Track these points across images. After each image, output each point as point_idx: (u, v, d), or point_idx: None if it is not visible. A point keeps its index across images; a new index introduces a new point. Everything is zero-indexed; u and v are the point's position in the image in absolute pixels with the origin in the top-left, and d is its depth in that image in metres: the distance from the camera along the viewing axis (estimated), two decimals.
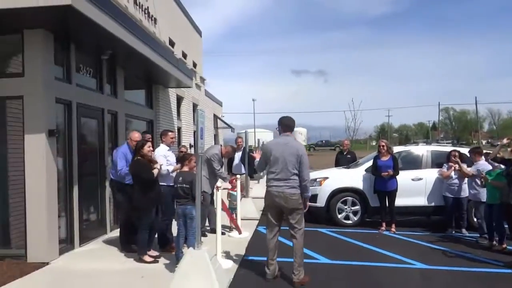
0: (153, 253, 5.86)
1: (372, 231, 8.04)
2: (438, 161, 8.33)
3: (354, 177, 8.64)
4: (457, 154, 7.79)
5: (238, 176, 8.05)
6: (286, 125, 5.12)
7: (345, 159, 10.34)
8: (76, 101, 6.54)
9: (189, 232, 5.40)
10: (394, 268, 5.69)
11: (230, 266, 5.48)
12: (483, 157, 7.32)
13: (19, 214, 5.78)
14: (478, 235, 7.22)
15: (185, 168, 5.57)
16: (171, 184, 6.06)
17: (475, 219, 7.67)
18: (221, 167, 6.82)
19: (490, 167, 6.92)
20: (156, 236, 6.15)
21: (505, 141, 6.54)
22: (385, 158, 8.07)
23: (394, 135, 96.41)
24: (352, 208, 8.53)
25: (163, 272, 5.25)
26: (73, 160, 6.44)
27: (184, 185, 5.35)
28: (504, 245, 6.54)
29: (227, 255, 5.93)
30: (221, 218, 5.95)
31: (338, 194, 8.57)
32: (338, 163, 10.51)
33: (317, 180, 8.86)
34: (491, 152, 7.24)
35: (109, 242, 6.80)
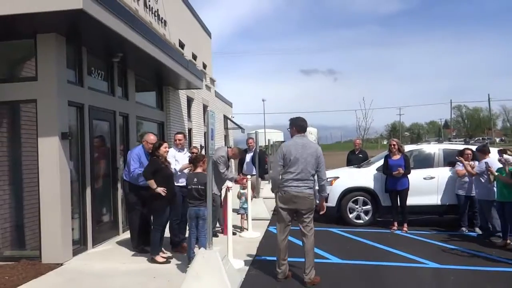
0: (165, 253, 5.91)
1: (384, 230, 7.99)
2: (450, 159, 8.25)
3: (365, 177, 8.60)
4: (470, 152, 7.71)
5: (249, 176, 8.07)
6: (300, 125, 5.11)
7: (356, 159, 10.30)
8: (88, 104, 6.63)
9: (201, 233, 5.43)
10: (406, 268, 5.65)
11: (241, 266, 5.50)
12: (488, 155, 7.23)
13: (34, 216, 5.88)
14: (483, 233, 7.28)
15: (199, 169, 5.59)
16: (180, 184, 6.11)
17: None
18: (227, 169, 6.84)
19: (497, 164, 6.86)
20: (168, 236, 6.20)
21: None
22: (396, 157, 8.02)
23: (405, 133, 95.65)
24: (363, 207, 8.50)
25: (175, 272, 5.29)
26: (85, 162, 6.52)
27: (199, 187, 5.35)
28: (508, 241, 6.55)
29: (239, 255, 5.94)
30: (232, 218, 5.97)
31: (349, 193, 8.53)
32: (349, 163, 10.47)
33: (328, 179, 8.76)
34: (502, 148, 7.21)
35: (121, 243, 6.88)
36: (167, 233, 6.17)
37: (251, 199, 8.06)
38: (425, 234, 7.66)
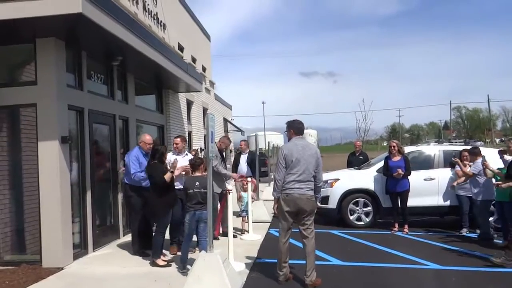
0: (166, 256, 5.90)
1: (385, 232, 7.99)
2: (450, 160, 8.25)
3: (365, 178, 8.60)
4: (467, 154, 7.72)
5: (249, 179, 8.06)
6: (297, 128, 5.14)
7: (357, 160, 10.30)
8: (88, 107, 6.63)
9: (202, 236, 5.42)
10: (407, 269, 5.64)
11: (242, 268, 5.50)
12: (480, 157, 7.25)
13: (34, 220, 5.87)
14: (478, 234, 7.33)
15: (198, 173, 5.58)
16: (176, 188, 6.09)
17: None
18: (222, 162, 6.86)
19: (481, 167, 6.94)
20: (168, 238, 6.21)
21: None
22: (396, 159, 8.02)
23: (405, 135, 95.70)
24: (364, 209, 8.49)
25: (176, 276, 5.28)
26: (85, 166, 6.52)
27: (202, 190, 5.33)
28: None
29: (239, 258, 5.94)
30: (233, 221, 5.97)
31: (349, 195, 8.53)
32: (350, 164, 10.48)
33: (328, 181, 8.83)
34: (503, 149, 7.22)
35: (122, 246, 6.86)
36: (166, 236, 6.16)
37: (252, 202, 8.05)
38: (426, 236, 7.65)
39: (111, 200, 7.38)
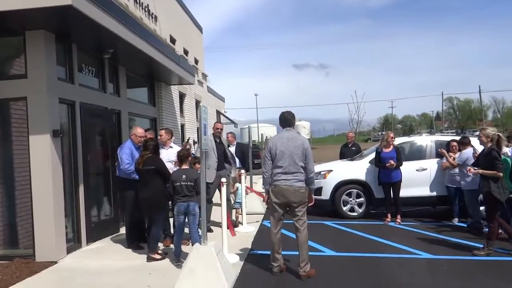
0: (158, 248, 5.90)
1: (378, 222, 8.06)
2: (438, 151, 8.30)
3: (358, 169, 8.65)
4: (455, 144, 7.79)
5: (243, 171, 8.07)
6: (285, 119, 5.16)
7: (349, 152, 10.34)
8: (79, 100, 6.57)
9: (192, 229, 5.44)
10: (400, 259, 5.71)
11: (236, 260, 5.52)
12: (469, 146, 7.35)
13: (26, 215, 5.84)
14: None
15: (185, 166, 5.59)
16: None
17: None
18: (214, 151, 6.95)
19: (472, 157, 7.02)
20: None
21: None
22: (388, 150, 8.07)
23: (398, 126, 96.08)
24: (357, 200, 8.55)
25: (170, 268, 5.29)
26: (78, 160, 6.48)
27: (188, 183, 5.37)
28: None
29: (233, 249, 5.96)
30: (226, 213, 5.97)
31: (342, 186, 8.58)
32: (342, 156, 10.52)
33: (322, 173, 8.87)
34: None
35: (116, 240, 6.86)
36: None
37: (246, 194, 8.06)
38: (418, 225, 7.73)
39: (104, 194, 7.35)
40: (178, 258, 5.38)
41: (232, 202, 7.86)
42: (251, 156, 10.99)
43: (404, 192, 8.02)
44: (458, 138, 8.18)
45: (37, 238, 5.72)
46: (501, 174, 5.67)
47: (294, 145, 4.93)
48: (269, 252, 5.16)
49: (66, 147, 6.28)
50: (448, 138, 8.93)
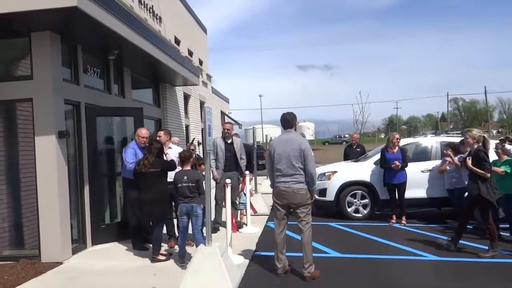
0: (162, 247, 5.91)
1: (382, 224, 8.02)
2: (443, 152, 8.24)
3: (363, 170, 8.62)
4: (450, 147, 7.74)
5: (247, 172, 8.07)
6: (285, 120, 5.17)
7: (354, 153, 10.31)
8: (84, 102, 6.60)
9: (195, 229, 5.44)
10: (405, 261, 5.68)
11: (241, 261, 5.52)
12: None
13: (32, 215, 5.87)
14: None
15: (187, 167, 5.59)
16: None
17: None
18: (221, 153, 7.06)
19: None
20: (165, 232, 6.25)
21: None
22: (393, 151, 8.04)
23: (403, 127, 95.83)
24: (362, 201, 8.52)
25: (175, 269, 5.30)
26: (83, 161, 6.51)
27: (190, 184, 5.37)
28: None
29: (238, 251, 5.96)
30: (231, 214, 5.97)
31: (347, 187, 8.56)
32: (347, 157, 10.49)
33: (326, 174, 8.85)
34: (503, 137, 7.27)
35: (121, 241, 6.85)
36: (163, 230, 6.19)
37: (251, 195, 8.06)
38: (424, 227, 7.69)
39: (108, 195, 7.36)
40: (182, 259, 5.39)
41: (237, 203, 7.85)
42: (255, 157, 11.01)
43: (409, 194, 7.98)
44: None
45: (42, 238, 5.74)
46: (489, 174, 5.74)
47: (291, 147, 4.93)
48: (273, 253, 5.15)
49: (71, 148, 6.31)
50: (453, 139, 8.88)
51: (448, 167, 7.71)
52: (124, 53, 7.26)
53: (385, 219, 8.21)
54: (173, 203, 6.23)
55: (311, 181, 4.97)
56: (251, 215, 7.70)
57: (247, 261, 5.61)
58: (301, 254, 4.98)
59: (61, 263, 5.69)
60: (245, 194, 7.72)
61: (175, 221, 6.39)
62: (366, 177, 8.52)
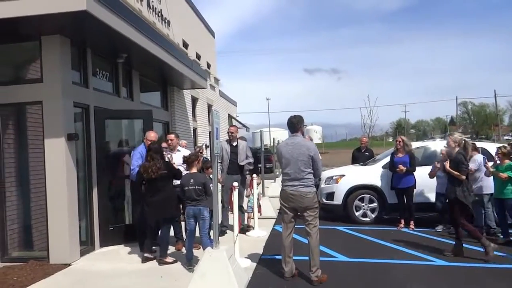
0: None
1: (391, 228, 7.97)
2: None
3: (371, 174, 8.58)
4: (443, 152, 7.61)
5: (255, 175, 8.06)
6: (291, 124, 5.15)
7: (362, 156, 10.25)
8: (93, 104, 6.65)
9: (202, 232, 5.45)
10: (413, 265, 5.63)
11: (248, 265, 5.51)
12: (477, 152, 7.30)
13: (41, 217, 5.92)
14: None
15: (194, 169, 5.60)
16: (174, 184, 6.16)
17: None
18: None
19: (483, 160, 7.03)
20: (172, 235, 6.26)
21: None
22: (401, 155, 7.99)
23: (411, 131, 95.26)
24: (370, 205, 8.47)
25: (182, 272, 5.30)
26: (92, 163, 6.55)
27: (196, 187, 5.38)
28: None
29: (245, 254, 5.95)
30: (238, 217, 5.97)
31: (355, 191, 8.52)
32: (355, 160, 10.43)
33: (334, 178, 8.81)
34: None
35: (128, 243, 6.86)
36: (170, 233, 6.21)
37: (259, 199, 8.04)
38: (432, 232, 7.62)
39: (116, 197, 7.39)
40: (190, 262, 5.39)
41: (244, 206, 7.85)
42: (263, 160, 11.01)
43: (418, 198, 7.91)
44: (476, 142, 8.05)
45: (51, 240, 5.78)
46: (464, 177, 5.88)
47: (298, 152, 4.92)
48: (280, 257, 5.14)
49: (80, 150, 6.36)
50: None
51: (439, 173, 7.54)
52: (133, 56, 7.31)
53: (393, 224, 8.15)
54: (181, 206, 6.25)
55: (317, 185, 5.01)
56: (258, 218, 7.68)
57: (254, 264, 5.60)
58: (308, 258, 4.96)
59: (69, 265, 5.72)
60: (252, 197, 7.71)
61: (183, 224, 6.40)
62: (374, 181, 8.48)
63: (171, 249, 6.23)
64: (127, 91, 8.15)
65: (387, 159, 8.35)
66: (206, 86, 12.52)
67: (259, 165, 10.96)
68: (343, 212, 8.61)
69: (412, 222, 7.88)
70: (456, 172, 5.91)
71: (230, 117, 20.03)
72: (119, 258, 6.12)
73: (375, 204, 8.45)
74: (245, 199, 7.98)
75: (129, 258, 6.10)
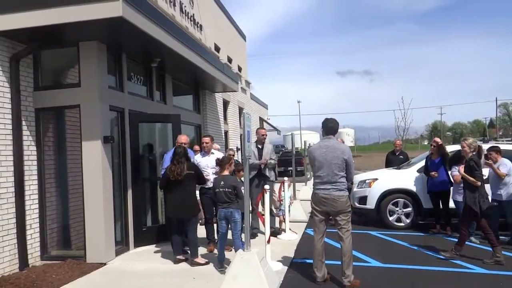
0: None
1: (426, 234, 7.74)
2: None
3: (405, 178, 8.37)
4: (492, 153, 7.24)
5: (286, 178, 8.03)
6: (328, 127, 5.07)
7: (396, 159, 10.02)
8: (128, 108, 6.82)
9: (234, 235, 5.47)
10: (450, 273, 5.44)
11: (279, 268, 5.48)
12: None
13: (79, 217, 6.11)
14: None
15: (226, 172, 5.64)
16: (207, 186, 6.22)
17: None
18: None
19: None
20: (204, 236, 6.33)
21: None
22: (436, 158, 7.75)
23: (447, 133, 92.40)
24: (404, 210, 8.26)
25: (214, 274, 5.34)
26: (126, 165, 6.72)
27: (226, 189, 5.41)
28: None
29: (276, 257, 5.92)
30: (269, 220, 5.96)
31: (388, 195, 8.33)
32: (389, 164, 10.21)
33: (367, 181, 8.66)
34: None
35: (162, 244, 6.99)
36: (203, 235, 6.28)
37: (291, 203, 8.00)
38: (470, 238, 7.32)
39: (151, 199, 7.54)
40: (221, 264, 5.42)
41: (275, 210, 7.82)
42: (293, 163, 10.96)
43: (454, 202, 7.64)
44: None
45: (88, 240, 5.96)
46: (479, 183, 5.82)
47: (332, 155, 4.85)
48: (312, 261, 5.09)
49: (115, 152, 6.53)
50: (503, 146, 8.41)
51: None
52: (166, 60, 7.46)
53: (429, 229, 7.91)
54: (214, 208, 6.31)
55: (349, 189, 4.95)
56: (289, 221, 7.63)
57: (286, 268, 5.56)
58: (340, 263, 4.89)
59: (105, 264, 5.87)
60: (284, 201, 7.67)
61: (215, 225, 6.45)
62: (409, 185, 8.26)
63: (203, 250, 6.29)
64: (160, 94, 8.32)
65: (422, 163, 8.12)
66: (238, 89, 12.60)
67: (290, 168, 10.90)
68: (376, 216, 8.44)
69: (448, 227, 7.62)
70: (471, 178, 5.86)
71: (261, 120, 20.07)
72: (152, 258, 6.23)
73: (409, 209, 8.23)
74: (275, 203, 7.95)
75: (162, 258, 6.20)
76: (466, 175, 5.95)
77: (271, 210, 7.41)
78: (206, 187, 6.32)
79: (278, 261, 5.76)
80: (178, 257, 5.91)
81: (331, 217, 4.96)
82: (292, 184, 9.64)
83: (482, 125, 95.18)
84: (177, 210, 5.74)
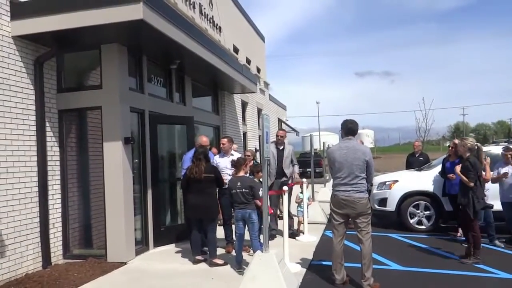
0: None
1: (447, 237, 7.59)
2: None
3: (426, 180, 8.22)
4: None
5: (304, 179, 8.00)
6: (348, 128, 5.01)
7: (417, 161, 9.87)
8: (148, 109, 6.91)
9: (252, 236, 5.47)
10: (471, 277, 5.32)
11: (298, 270, 5.46)
12: None
13: (100, 217, 6.21)
14: None
15: (242, 173, 5.64)
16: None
17: None
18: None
19: None
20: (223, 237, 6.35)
21: None
22: (453, 160, 7.59)
23: (471, 135, 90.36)
24: (425, 212, 8.12)
25: (233, 274, 5.35)
26: (146, 166, 6.80)
27: (243, 190, 5.42)
28: None
29: (295, 259, 5.90)
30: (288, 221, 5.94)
31: (409, 197, 8.20)
32: (409, 165, 10.06)
33: (387, 183, 8.55)
34: None
35: (181, 244, 7.06)
36: (222, 235, 6.29)
37: (308, 204, 7.96)
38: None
39: (170, 199, 7.62)
40: (240, 265, 5.43)
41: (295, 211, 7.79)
42: (312, 165, 10.90)
43: None
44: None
45: (108, 239, 6.05)
46: (471, 184, 5.81)
47: (353, 156, 4.80)
48: (331, 263, 5.05)
49: (136, 153, 6.62)
50: None
51: (505, 178, 7.05)
52: (186, 62, 7.52)
53: (451, 232, 7.75)
54: (232, 209, 6.32)
55: (369, 191, 4.88)
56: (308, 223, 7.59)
57: (304, 269, 5.54)
58: (360, 265, 4.84)
59: (125, 263, 5.96)
60: (303, 202, 7.64)
61: (233, 226, 6.47)
62: (430, 187, 8.12)
63: (221, 251, 6.31)
64: (179, 96, 8.40)
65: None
66: (256, 90, 12.62)
67: (308, 170, 10.85)
68: (397, 219, 8.32)
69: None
70: (465, 178, 5.87)
71: (280, 121, 20.04)
72: (171, 258, 6.28)
73: (430, 212, 8.09)
74: (294, 204, 7.92)
75: (181, 258, 6.25)
76: (461, 175, 5.96)
77: (289, 212, 7.39)
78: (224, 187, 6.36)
79: (297, 263, 5.74)
80: (197, 257, 5.95)
81: (350, 219, 4.92)
82: (310, 185, 9.58)
83: (506, 125, 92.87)
84: (196, 210, 5.79)
